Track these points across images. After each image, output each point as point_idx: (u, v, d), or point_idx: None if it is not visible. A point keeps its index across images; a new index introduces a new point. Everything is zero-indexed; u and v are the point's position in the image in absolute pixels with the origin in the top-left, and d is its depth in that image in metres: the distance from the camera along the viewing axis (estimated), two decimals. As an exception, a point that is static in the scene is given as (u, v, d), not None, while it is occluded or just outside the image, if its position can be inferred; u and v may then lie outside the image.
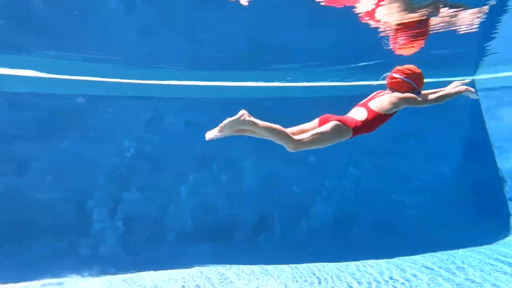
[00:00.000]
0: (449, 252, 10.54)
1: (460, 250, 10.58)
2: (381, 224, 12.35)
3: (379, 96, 3.77)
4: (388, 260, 10.51)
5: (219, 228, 10.30)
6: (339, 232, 11.95)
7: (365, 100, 3.84)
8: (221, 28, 6.76)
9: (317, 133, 3.49)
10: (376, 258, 10.71)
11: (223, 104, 11.17)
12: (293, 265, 9.80)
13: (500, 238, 11.69)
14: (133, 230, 9.37)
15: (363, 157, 12.70)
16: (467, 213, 12.65)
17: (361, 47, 7.98)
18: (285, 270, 9.46)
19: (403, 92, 3.68)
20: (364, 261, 10.55)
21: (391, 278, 8.89)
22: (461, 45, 7.78)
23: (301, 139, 3.37)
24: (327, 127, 3.49)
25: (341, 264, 10.00)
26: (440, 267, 9.34)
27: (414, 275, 9.00)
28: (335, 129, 3.46)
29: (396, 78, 3.78)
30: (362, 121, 3.54)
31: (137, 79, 9.11)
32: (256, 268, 9.41)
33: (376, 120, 3.62)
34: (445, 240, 11.27)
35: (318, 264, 10.04)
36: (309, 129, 3.69)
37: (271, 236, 10.78)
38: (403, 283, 8.55)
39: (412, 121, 10.83)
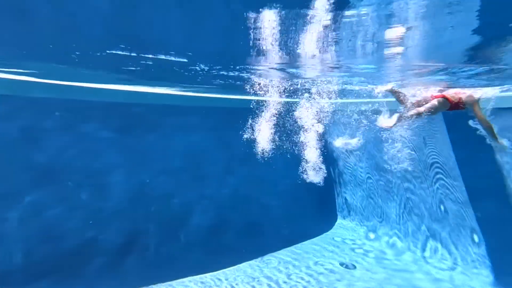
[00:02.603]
0: (301, 243, 9.04)
1: (308, 241, 9.23)
2: (253, 227, 9.27)
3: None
4: (257, 260, 7.95)
5: (68, 258, 4.34)
6: (217, 239, 8.36)
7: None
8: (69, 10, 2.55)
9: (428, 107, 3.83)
10: (249, 260, 7.96)
11: (73, 106, 5.29)
12: (168, 283, 6.35)
13: (332, 225, 10.37)
14: None
15: (238, 166, 9.51)
16: (314, 210, 10.64)
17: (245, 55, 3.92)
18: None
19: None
20: (239, 265, 7.68)
21: (266, 277, 6.88)
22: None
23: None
24: (434, 102, 3.86)
25: (218, 272, 7.16)
26: (294, 259, 7.93)
27: (279, 270, 7.28)
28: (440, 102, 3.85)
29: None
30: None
31: None
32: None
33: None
34: (298, 234, 9.50)
35: (197, 277, 6.81)
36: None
37: (144, 254, 5.61)
38: (270, 277, 6.81)
39: (275, 133, 8.81)
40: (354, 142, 9.51)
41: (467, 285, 6.53)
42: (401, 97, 4.22)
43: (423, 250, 7.89)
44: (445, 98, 4.10)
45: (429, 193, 7.80)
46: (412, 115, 3.88)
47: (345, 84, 5.89)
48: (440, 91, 4.45)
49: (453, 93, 4.19)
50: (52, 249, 5.56)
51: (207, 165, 8.83)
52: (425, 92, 4.46)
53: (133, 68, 4.60)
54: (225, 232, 8.61)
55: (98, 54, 3.67)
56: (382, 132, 7.97)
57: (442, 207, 7.53)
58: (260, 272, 7.26)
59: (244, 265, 7.62)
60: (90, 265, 5.99)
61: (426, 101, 4.08)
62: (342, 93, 7.47)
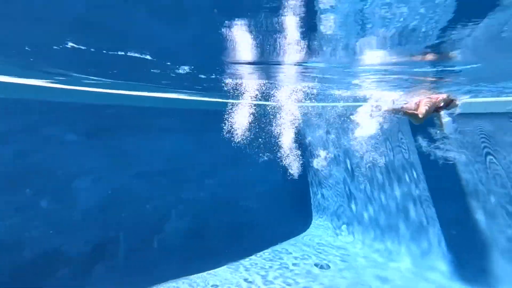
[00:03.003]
0: (278, 245, 8.91)
1: (285, 242, 9.12)
2: (232, 230, 9.01)
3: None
4: (236, 262, 7.71)
5: (26, 271, 3.73)
6: (195, 244, 8.02)
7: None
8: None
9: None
10: (228, 263, 7.67)
11: (40, 109, 4.81)
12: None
13: (308, 226, 10.39)
14: None
15: (217, 168, 9.18)
16: (291, 211, 10.56)
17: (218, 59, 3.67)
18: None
19: None
20: (218, 268, 7.38)
21: (245, 280, 6.70)
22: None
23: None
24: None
25: (196, 276, 6.81)
26: (273, 260, 7.85)
27: (258, 272, 7.11)
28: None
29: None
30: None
31: None
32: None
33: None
34: (277, 236, 9.35)
35: (174, 283, 6.48)
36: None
37: (113, 263, 4.99)
38: (249, 280, 6.68)
39: (256, 135, 8.62)
40: (328, 155, 9.72)
41: (428, 278, 6.88)
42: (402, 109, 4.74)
43: (392, 247, 8.10)
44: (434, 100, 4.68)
45: (396, 193, 8.07)
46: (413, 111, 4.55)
47: (326, 89, 5.82)
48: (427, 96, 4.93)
49: (436, 97, 4.76)
50: (10, 260, 5.00)
51: (185, 168, 8.48)
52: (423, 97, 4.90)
53: (106, 70, 4.22)
54: (203, 236, 8.29)
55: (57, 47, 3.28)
56: (354, 135, 8.16)
57: (408, 207, 7.81)
58: (239, 275, 7.06)
59: (223, 269, 7.38)
60: (54, 277, 5.47)
61: (426, 103, 4.63)
62: (321, 97, 7.44)
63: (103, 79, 4.84)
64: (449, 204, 6.88)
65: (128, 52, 3.44)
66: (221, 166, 9.41)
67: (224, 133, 8.96)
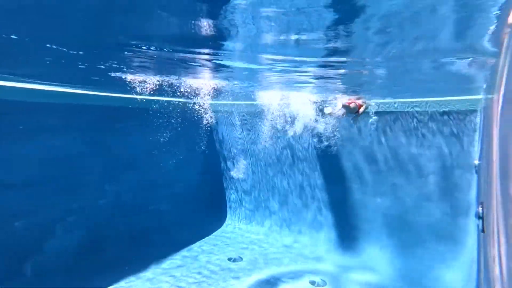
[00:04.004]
0: (192, 245, 8.40)
1: (199, 242, 8.69)
2: (139, 237, 8.05)
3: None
4: (143, 271, 6.81)
5: None
6: (89, 260, 6.81)
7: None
8: None
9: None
10: (133, 274, 6.67)
11: None
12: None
13: (222, 224, 10.28)
14: None
15: (121, 171, 7.95)
16: (205, 211, 10.29)
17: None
18: None
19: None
20: (119, 283, 6.27)
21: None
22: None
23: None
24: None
25: None
26: (185, 262, 7.37)
27: (169, 277, 6.54)
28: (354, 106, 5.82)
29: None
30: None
31: None
32: None
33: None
34: (190, 237, 8.86)
35: None
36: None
37: None
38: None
39: (165, 134, 7.90)
40: (241, 153, 9.97)
41: (316, 246, 8.10)
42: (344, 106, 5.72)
43: (298, 233, 9.06)
44: (356, 104, 5.74)
45: (298, 182, 9.09)
46: (342, 114, 5.74)
47: (239, 86, 5.70)
48: (350, 99, 6.04)
49: (360, 101, 5.89)
50: None
51: (78, 174, 6.95)
52: (346, 99, 5.93)
53: None
54: (101, 249, 7.00)
55: None
56: (263, 133, 8.67)
57: (307, 193, 8.94)
58: (148, 285, 6.30)
59: (129, 282, 6.43)
60: None
61: (348, 105, 5.68)
62: (233, 94, 7.37)
63: None
64: (336, 188, 8.07)
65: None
66: (126, 169, 8.22)
67: (129, 132, 7.79)
